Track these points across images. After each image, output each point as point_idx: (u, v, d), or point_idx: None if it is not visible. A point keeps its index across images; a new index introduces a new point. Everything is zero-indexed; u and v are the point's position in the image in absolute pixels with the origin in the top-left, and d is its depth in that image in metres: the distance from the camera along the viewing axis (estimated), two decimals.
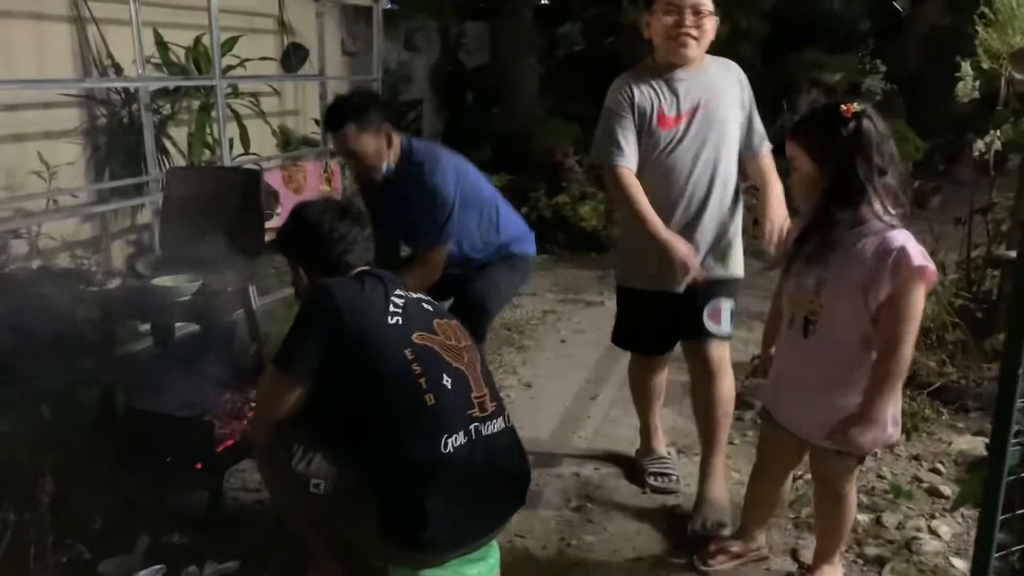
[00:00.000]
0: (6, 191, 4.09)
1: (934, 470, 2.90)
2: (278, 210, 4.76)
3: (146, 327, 3.32)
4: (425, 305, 2.09)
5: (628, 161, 2.45)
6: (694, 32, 2.36)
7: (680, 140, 2.44)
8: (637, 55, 7.20)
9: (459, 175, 2.92)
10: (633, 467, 2.93)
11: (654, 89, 2.45)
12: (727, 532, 2.45)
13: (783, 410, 2.04)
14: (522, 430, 3.17)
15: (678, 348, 2.72)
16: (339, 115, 2.78)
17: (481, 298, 2.92)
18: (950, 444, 3.06)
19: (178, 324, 3.17)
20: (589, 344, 4.23)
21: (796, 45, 7.53)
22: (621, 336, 2.81)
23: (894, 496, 2.69)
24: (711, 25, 2.39)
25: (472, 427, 1.95)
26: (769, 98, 7.16)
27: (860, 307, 1.78)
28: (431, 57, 8.32)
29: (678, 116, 2.44)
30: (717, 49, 2.56)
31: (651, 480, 2.83)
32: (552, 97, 7.72)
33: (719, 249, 2.54)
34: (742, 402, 3.42)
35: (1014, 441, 1.39)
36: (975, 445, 3.03)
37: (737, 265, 2.59)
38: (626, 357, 3.94)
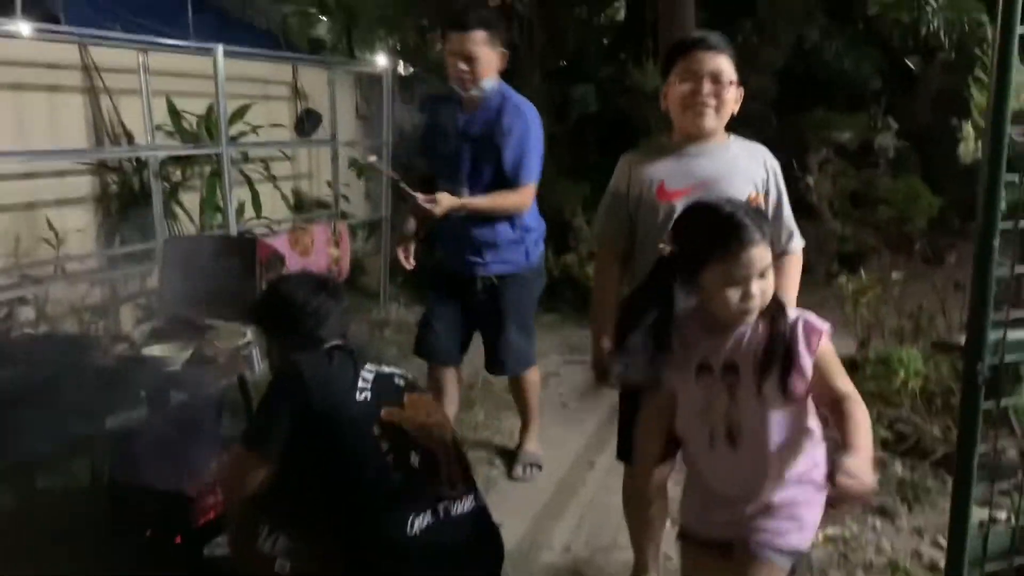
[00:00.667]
0: (15, 257, 4.17)
1: (936, 544, 2.80)
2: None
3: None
4: (397, 380, 2.08)
5: (608, 243, 2.36)
6: (712, 101, 2.17)
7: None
8: (645, 115, 7.23)
9: None
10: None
11: (660, 164, 2.25)
12: None
13: (715, 524, 1.81)
14: (514, 500, 3.17)
15: None
16: (473, 17, 2.91)
17: (521, 350, 3.24)
18: None
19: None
20: (590, 409, 4.17)
21: (806, 104, 7.54)
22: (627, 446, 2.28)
23: (891, 573, 2.61)
24: (732, 95, 2.20)
25: (440, 506, 1.91)
26: (779, 158, 7.17)
27: (779, 392, 1.68)
28: None
29: (678, 191, 2.20)
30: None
31: None
32: (564, 157, 7.77)
33: None
34: None
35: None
36: (980, 517, 2.93)
37: None
38: None
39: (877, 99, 8.10)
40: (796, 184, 7.15)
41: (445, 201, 2.95)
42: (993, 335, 1.39)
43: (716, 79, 2.16)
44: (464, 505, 1.96)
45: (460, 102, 3.06)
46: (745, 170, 2.23)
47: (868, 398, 3.17)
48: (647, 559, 2.48)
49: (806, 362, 1.68)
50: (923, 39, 4.45)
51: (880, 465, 3.24)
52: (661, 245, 1.77)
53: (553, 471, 3.47)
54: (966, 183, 7.74)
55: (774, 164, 2.30)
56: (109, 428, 2.64)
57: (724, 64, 2.17)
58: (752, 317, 1.71)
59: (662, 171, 2.24)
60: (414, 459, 1.91)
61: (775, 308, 1.71)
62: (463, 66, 2.93)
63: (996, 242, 1.38)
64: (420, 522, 1.86)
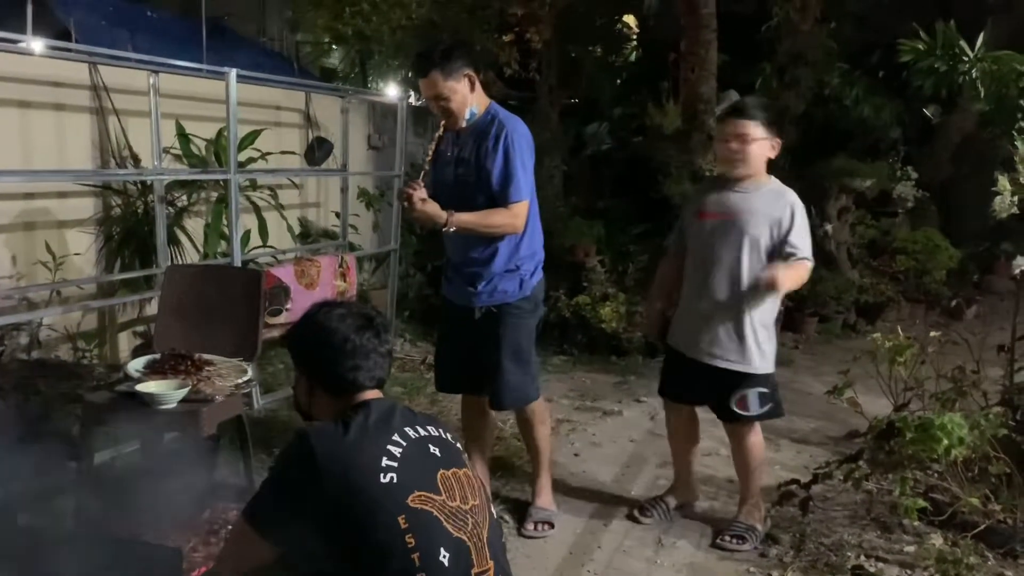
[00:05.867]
0: (11, 280, 4.01)
1: None
2: (288, 306, 4.64)
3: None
4: (432, 448, 1.79)
5: (671, 248, 3.34)
6: (739, 155, 2.98)
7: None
8: (664, 155, 7.13)
9: None
10: None
11: (705, 194, 3.19)
12: None
13: None
14: (523, 562, 2.96)
15: None
16: (425, 63, 2.90)
17: (518, 384, 3.13)
18: None
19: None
20: (605, 460, 3.98)
21: (825, 151, 7.43)
22: (662, 384, 3.35)
23: None
24: (758, 149, 2.98)
25: None
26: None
27: None
28: None
29: (711, 215, 3.08)
30: None
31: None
32: (577, 195, 7.66)
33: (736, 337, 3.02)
34: (766, 536, 3.16)
35: None
36: None
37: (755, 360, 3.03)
38: (645, 474, 3.75)
39: (896, 148, 8.01)
40: (814, 232, 7.02)
41: (420, 203, 2.85)
42: None
43: (743, 140, 2.96)
44: None
45: (457, 131, 3.04)
46: (767, 210, 2.98)
47: (904, 464, 3.00)
48: (683, 477, 3.40)
49: None
50: (957, 89, 4.31)
51: (917, 537, 3.05)
52: None
53: (566, 531, 3.25)
54: (985, 235, 7.67)
55: (797, 206, 3.00)
56: (96, 469, 2.45)
57: (750, 128, 2.95)
58: None
59: (703, 199, 3.16)
60: (443, 557, 1.65)
61: None
62: (437, 107, 2.95)
63: None
64: None
